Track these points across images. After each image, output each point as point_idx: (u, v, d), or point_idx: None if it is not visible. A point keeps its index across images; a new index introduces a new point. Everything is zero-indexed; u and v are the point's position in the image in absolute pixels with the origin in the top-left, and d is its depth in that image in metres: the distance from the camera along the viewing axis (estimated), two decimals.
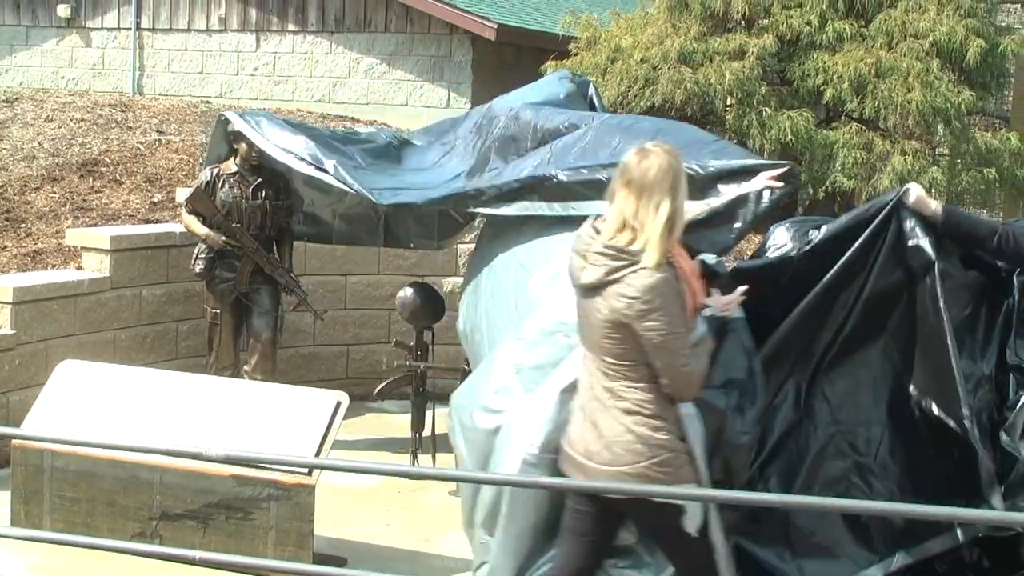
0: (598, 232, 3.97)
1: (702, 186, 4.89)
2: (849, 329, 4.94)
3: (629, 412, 3.92)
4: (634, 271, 3.84)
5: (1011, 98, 10.83)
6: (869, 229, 4.82)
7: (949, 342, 4.67)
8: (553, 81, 7.32)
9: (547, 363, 4.67)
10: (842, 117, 9.64)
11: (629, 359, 3.91)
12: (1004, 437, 4.81)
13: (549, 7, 15.11)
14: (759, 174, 4.78)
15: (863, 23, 9.44)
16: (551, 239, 5.43)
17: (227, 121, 7.17)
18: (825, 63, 9.16)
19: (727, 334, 4.52)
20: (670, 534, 4.05)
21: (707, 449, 4.17)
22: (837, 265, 4.86)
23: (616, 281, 3.86)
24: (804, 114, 9.16)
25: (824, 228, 4.94)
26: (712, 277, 4.51)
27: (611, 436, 3.93)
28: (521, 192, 5.77)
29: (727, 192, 4.86)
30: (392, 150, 7.21)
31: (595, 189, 5.21)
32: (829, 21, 9.28)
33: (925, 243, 4.76)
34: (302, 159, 6.76)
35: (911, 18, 9.19)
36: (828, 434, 4.93)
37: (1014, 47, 9.28)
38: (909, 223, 4.79)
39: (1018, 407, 4.82)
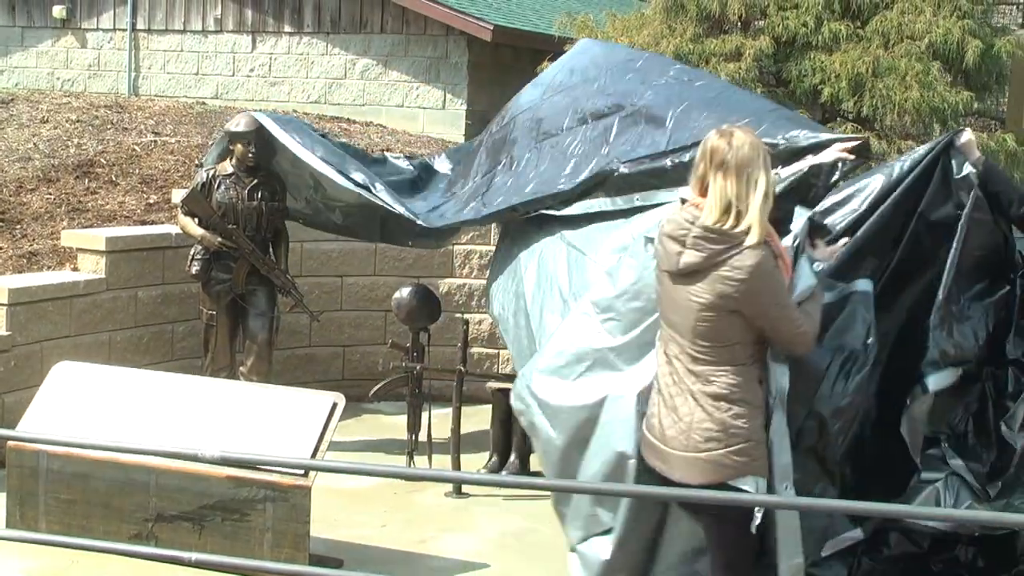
0: (694, 216, 3.97)
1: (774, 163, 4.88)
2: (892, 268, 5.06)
3: (716, 397, 3.94)
4: (738, 253, 3.87)
5: (1007, 99, 10.82)
6: (921, 165, 4.98)
7: (940, 292, 4.83)
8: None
9: (633, 335, 4.58)
10: (839, 117, 9.63)
11: (722, 341, 3.95)
12: (1004, 428, 4.84)
13: (545, 8, 15.11)
14: (831, 146, 4.71)
15: (859, 24, 9.43)
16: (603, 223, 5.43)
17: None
18: (822, 62, 9.15)
19: (850, 302, 4.71)
20: (732, 526, 4.04)
21: (804, 406, 4.31)
22: (889, 203, 5.00)
23: (720, 264, 3.89)
24: (801, 114, 9.15)
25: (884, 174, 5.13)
26: (817, 230, 4.57)
27: (690, 421, 3.96)
28: (581, 191, 5.66)
29: (801, 164, 4.77)
30: (419, 181, 7.16)
31: (659, 177, 5.17)
32: (825, 22, 9.26)
33: (964, 187, 4.92)
34: (346, 175, 6.75)
35: (907, 20, 9.18)
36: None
37: (1009, 48, 9.28)
38: (955, 162, 4.94)
39: (1021, 398, 4.86)
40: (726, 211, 3.90)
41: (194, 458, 5.11)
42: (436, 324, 7.36)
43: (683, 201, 4.12)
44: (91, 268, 7.53)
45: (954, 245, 4.87)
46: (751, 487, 3.96)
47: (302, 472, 5.33)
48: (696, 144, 4.62)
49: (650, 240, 4.49)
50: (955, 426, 5.03)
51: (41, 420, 5.67)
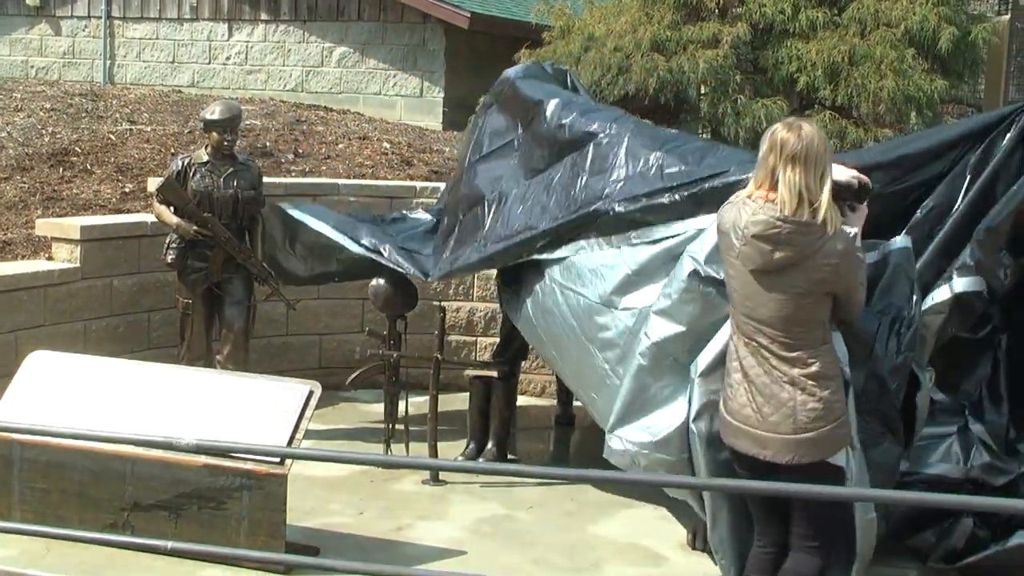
0: (776, 212, 4.12)
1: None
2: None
3: (816, 377, 4.18)
4: (827, 240, 4.11)
5: (983, 86, 10.87)
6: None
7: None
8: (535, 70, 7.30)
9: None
10: (815, 105, 9.66)
11: (813, 325, 4.19)
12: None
13: None
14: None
15: (836, 11, 9.45)
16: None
17: (283, 212, 7.38)
18: (799, 51, 9.17)
19: (890, 261, 4.92)
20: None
21: (861, 370, 4.59)
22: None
23: (813, 254, 4.10)
24: (778, 102, 9.18)
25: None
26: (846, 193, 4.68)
27: (794, 405, 4.18)
28: (574, 231, 5.80)
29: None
30: (435, 227, 7.39)
31: (656, 213, 5.34)
32: (802, 9, 9.29)
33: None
34: (357, 241, 7.08)
35: (884, 6, 9.21)
36: None
37: (985, 35, 9.31)
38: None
39: None
40: (800, 203, 4.11)
41: (169, 446, 5.13)
42: (413, 312, 7.34)
43: (748, 197, 4.27)
44: (66, 257, 7.48)
45: (1016, 186, 5.12)
46: (843, 457, 4.27)
47: (278, 460, 5.31)
48: (695, 182, 5.13)
49: (696, 274, 4.92)
50: (971, 393, 5.43)
51: (15, 409, 5.63)
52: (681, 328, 5.02)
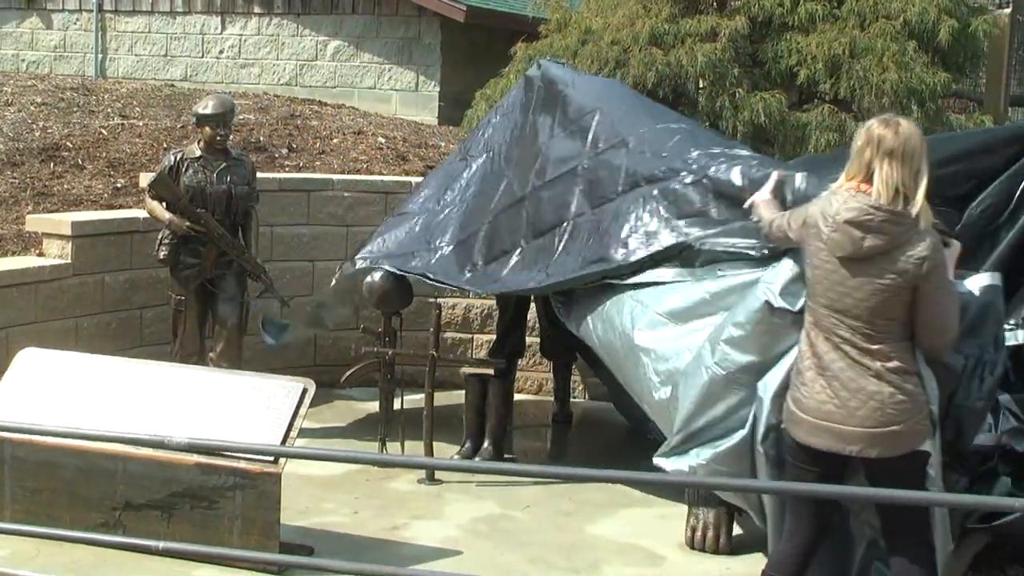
0: (872, 202, 4.20)
1: None
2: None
3: (900, 371, 4.26)
4: (916, 234, 4.20)
5: (984, 79, 10.82)
6: None
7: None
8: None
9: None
10: (815, 99, 9.60)
11: (896, 318, 4.25)
12: None
13: None
14: None
15: (835, 3, 9.40)
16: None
17: (354, 270, 7.26)
18: (798, 44, 9.11)
19: (979, 299, 4.84)
20: (916, 487, 4.32)
21: (941, 408, 4.54)
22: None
23: (902, 245, 4.19)
24: (777, 96, 9.12)
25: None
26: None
27: (882, 399, 4.25)
28: (656, 262, 5.83)
29: None
30: None
31: (744, 261, 5.41)
32: (801, 2, 9.23)
33: None
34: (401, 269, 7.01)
35: None
36: None
37: (985, 27, 9.26)
38: None
39: None
40: (895, 195, 4.18)
41: (161, 445, 5.09)
42: (408, 309, 7.27)
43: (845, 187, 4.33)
44: (57, 253, 7.41)
45: None
46: (930, 447, 4.36)
47: (272, 459, 5.26)
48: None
49: (768, 305, 4.89)
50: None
51: (5, 407, 5.58)
52: (751, 358, 4.99)
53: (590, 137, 6.57)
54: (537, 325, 8.16)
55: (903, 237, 4.18)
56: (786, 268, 4.89)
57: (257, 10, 14.08)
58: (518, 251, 6.69)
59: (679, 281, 5.68)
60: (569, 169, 6.55)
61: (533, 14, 11.34)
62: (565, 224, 6.45)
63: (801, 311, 4.62)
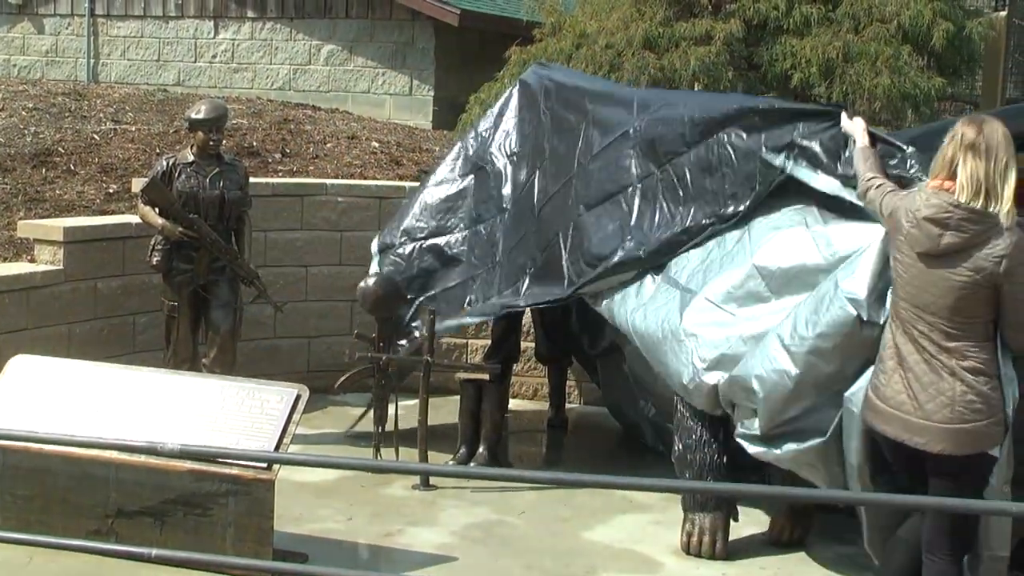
0: (953, 200, 4.25)
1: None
2: None
3: (975, 371, 4.28)
4: (997, 232, 4.21)
5: (980, 83, 10.80)
6: None
7: None
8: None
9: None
10: (810, 103, 9.59)
11: (976, 317, 4.29)
12: None
13: None
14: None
15: (830, 7, 9.40)
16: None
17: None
18: (793, 47, 9.11)
19: None
20: (971, 492, 4.35)
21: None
22: None
23: (981, 244, 4.22)
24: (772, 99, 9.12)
25: None
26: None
27: (952, 395, 4.29)
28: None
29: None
30: None
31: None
32: (796, 5, 9.23)
33: None
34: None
35: (877, 1, 9.17)
36: None
37: (981, 30, 9.26)
38: None
39: None
40: (977, 193, 4.22)
41: (154, 452, 5.06)
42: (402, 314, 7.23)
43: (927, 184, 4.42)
44: (49, 259, 7.37)
45: None
46: (998, 452, 4.36)
47: (265, 465, 5.25)
48: None
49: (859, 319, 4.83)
50: None
51: None
52: (837, 367, 4.98)
53: (636, 104, 6.48)
54: (532, 330, 8.14)
55: (983, 235, 4.20)
56: (865, 271, 4.87)
57: (250, 14, 14.05)
58: (569, 229, 6.51)
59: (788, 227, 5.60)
60: (620, 134, 6.41)
61: (527, 18, 11.33)
62: (630, 189, 6.30)
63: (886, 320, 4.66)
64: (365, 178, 9.53)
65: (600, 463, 7.31)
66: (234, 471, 5.24)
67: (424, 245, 7.22)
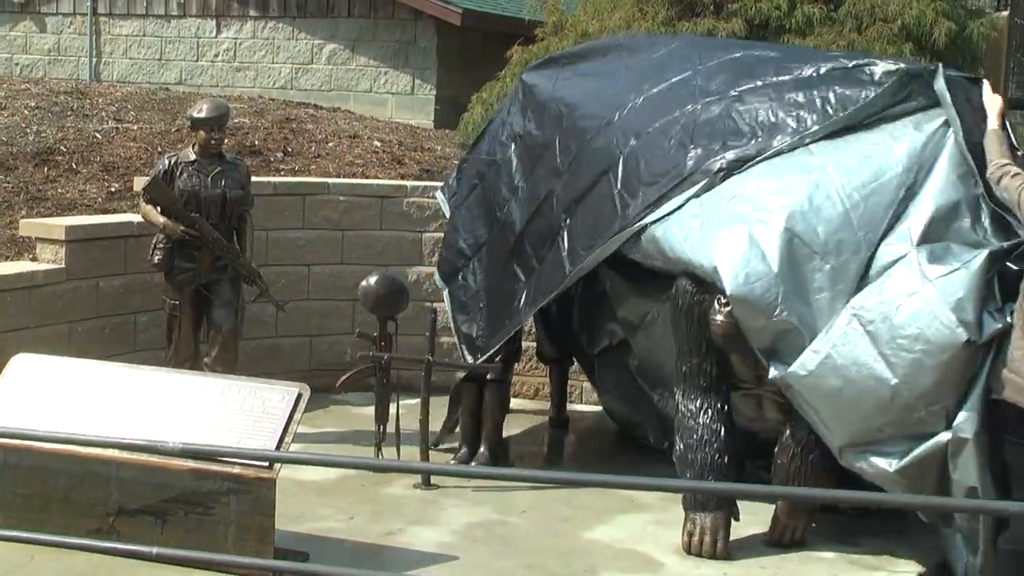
0: None
1: None
2: None
3: None
4: None
5: None
6: None
7: None
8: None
9: None
10: None
11: None
12: None
13: None
14: None
15: (832, 7, 9.40)
16: None
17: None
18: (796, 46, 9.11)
19: None
20: None
21: None
22: None
23: None
24: None
25: None
26: None
27: None
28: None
29: None
30: None
31: None
32: (798, 5, 9.23)
33: None
34: None
35: (880, 1, 9.16)
36: None
37: (983, 30, 9.25)
38: None
39: None
40: None
41: (155, 450, 5.07)
42: (404, 313, 7.24)
43: None
44: (50, 258, 7.37)
45: None
46: None
47: (266, 464, 5.24)
48: None
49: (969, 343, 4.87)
50: None
51: None
52: (938, 379, 4.97)
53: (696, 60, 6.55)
54: (534, 329, 8.13)
55: None
56: (968, 289, 4.91)
57: (252, 13, 14.06)
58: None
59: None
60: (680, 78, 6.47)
61: (529, 17, 11.33)
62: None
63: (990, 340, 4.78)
64: (367, 177, 9.52)
65: (601, 463, 7.30)
66: (235, 470, 5.23)
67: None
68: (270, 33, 13.99)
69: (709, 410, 5.82)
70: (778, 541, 5.86)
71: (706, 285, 5.65)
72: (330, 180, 8.99)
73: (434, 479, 6.64)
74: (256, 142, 10.14)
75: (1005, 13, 10.95)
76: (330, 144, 10.48)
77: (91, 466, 5.37)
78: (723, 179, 5.88)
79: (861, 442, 5.22)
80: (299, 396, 5.52)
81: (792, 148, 5.82)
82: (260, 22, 14.02)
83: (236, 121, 10.39)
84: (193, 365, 7.03)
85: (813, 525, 5.91)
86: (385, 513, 6.21)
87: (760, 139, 5.93)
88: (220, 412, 5.48)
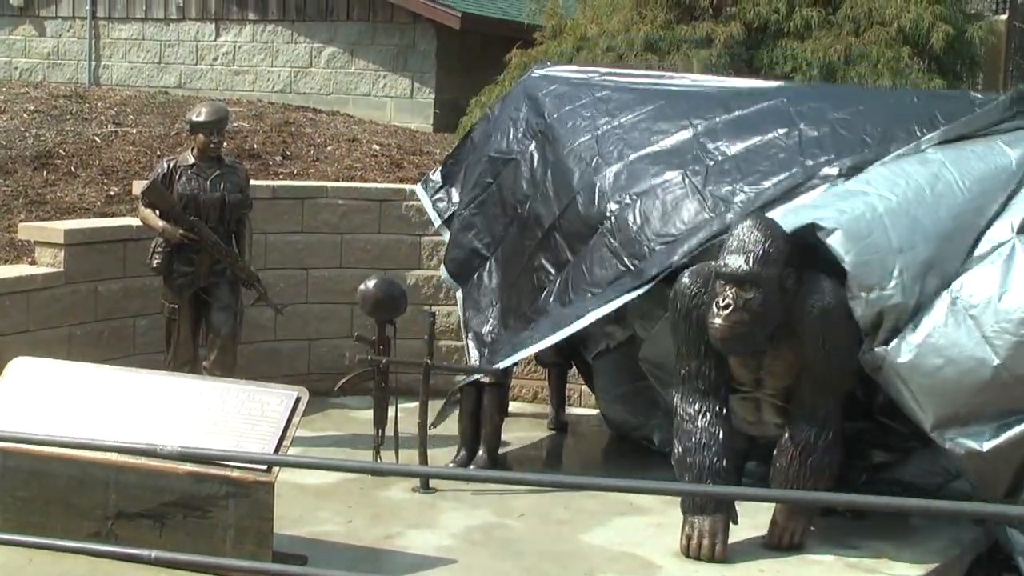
0: None
1: None
2: None
3: None
4: None
5: (981, 86, 10.83)
6: None
7: None
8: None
9: None
10: None
11: None
12: None
13: None
14: None
15: (830, 10, 9.42)
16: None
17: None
18: (794, 50, 9.13)
19: None
20: None
21: None
22: None
23: None
24: None
25: None
26: None
27: None
28: None
29: None
30: None
31: None
32: (797, 8, 9.26)
33: None
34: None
35: (877, 5, 9.19)
36: None
37: (981, 34, 9.27)
38: None
39: None
40: None
41: (154, 454, 5.07)
42: (403, 317, 7.23)
43: None
44: (49, 262, 7.38)
45: None
46: None
47: (265, 467, 5.24)
48: None
49: None
50: None
51: None
52: None
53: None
54: None
55: None
56: None
57: (251, 17, 14.07)
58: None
59: None
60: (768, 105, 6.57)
61: (528, 21, 11.35)
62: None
63: None
64: (366, 181, 9.53)
65: (600, 466, 7.30)
66: (234, 473, 5.22)
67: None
68: (269, 37, 14.00)
69: (708, 413, 5.82)
70: (776, 544, 5.85)
71: (705, 286, 5.66)
72: (329, 184, 8.99)
73: (433, 482, 6.63)
74: (255, 146, 10.15)
75: (1004, 16, 10.97)
76: (329, 148, 10.49)
77: (90, 469, 5.36)
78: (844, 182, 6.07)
79: (954, 421, 5.41)
80: (298, 400, 5.51)
81: (909, 154, 6.06)
82: (259, 26, 14.03)
83: (235, 125, 10.40)
84: (192, 369, 7.03)
85: (812, 528, 5.92)
86: (384, 516, 6.20)
87: (875, 147, 6.13)
88: (219, 416, 5.47)
